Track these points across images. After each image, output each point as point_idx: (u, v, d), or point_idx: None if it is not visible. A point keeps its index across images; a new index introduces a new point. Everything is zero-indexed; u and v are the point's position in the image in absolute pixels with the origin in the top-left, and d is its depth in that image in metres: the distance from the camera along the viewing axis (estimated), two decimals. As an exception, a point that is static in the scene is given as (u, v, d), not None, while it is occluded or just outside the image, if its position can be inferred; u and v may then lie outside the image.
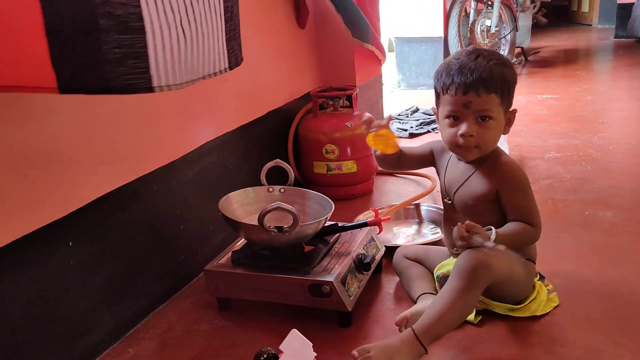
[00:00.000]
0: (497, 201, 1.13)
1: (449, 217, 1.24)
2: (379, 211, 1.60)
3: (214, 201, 1.54)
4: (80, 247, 1.11)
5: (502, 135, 2.10)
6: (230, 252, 1.30)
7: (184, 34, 0.80)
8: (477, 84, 1.06)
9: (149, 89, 0.75)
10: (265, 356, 0.86)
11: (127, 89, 0.73)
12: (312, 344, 0.86)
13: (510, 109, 1.13)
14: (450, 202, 1.21)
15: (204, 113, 1.50)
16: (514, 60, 4.34)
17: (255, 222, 1.16)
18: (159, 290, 1.34)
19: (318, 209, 1.37)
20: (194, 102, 1.45)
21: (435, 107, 1.19)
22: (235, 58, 0.99)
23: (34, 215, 1.01)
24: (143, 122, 1.27)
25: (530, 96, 3.32)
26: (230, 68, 0.97)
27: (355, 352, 0.99)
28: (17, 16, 0.67)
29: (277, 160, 1.41)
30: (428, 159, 1.30)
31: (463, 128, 1.09)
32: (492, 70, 1.06)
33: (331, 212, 1.28)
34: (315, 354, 0.87)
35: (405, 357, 0.99)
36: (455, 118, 1.11)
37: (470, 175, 1.16)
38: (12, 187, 0.96)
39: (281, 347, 0.87)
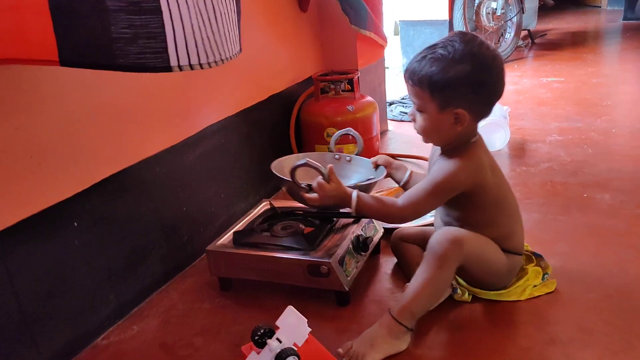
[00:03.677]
0: (459, 194, 1.10)
1: None
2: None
3: (216, 184, 1.57)
4: (85, 228, 1.14)
5: (504, 118, 2.12)
6: (232, 233, 1.33)
7: (200, 14, 0.78)
8: (407, 74, 1.08)
9: (166, 68, 0.75)
10: (262, 331, 0.89)
11: (138, 67, 0.73)
12: (307, 320, 0.89)
13: (456, 110, 1.06)
14: None
15: (206, 97, 1.52)
16: (520, 42, 4.30)
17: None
18: (162, 271, 1.38)
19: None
20: (195, 85, 1.47)
21: None
22: (240, 42, 0.98)
23: (40, 196, 1.04)
24: (145, 106, 1.29)
25: (535, 79, 3.31)
26: (240, 51, 0.97)
27: (340, 350, 1.04)
28: None
29: (349, 128, 1.47)
30: None
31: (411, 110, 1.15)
32: (420, 65, 1.05)
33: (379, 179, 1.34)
34: (310, 329, 0.90)
35: (385, 338, 1.03)
36: None
37: (432, 166, 1.19)
38: (18, 168, 0.99)
39: (277, 322, 0.90)
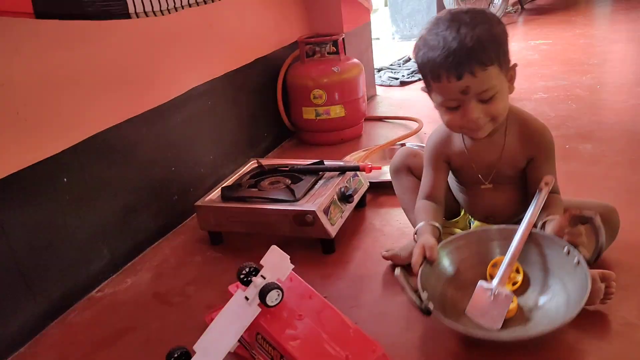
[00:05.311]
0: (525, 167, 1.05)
1: (479, 194, 1.11)
2: (357, 156, 1.69)
3: (204, 145, 1.60)
4: (74, 184, 1.17)
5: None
6: (220, 189, 1.37)
7: None
8: (471, 64, 0.89)
9: (125, 15, 0.79)
10: (247, 270, 0.93)
11: (102, 15, 0.77)
12: (289, 257, 0.93)
13: (510, 65, 0.98)
14: (490, 185, 1.08)
15: (190, 59, 1.54)
16: (510, 9, 4.29)
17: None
18: (154, 228, 1.41)
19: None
20: (179, 46, 1.49)
21: (425, 89, 1.03)
22: None
23: (28, 152, 1.07)
24: (129, 66, 1.31)
25: (523, 43, 3.32)
26: None
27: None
28: None
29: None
30: (446, 167, 1.12)
31: (467, 116, 0.94)
32: (482, 40, 0.89)
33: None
34: (293, 266, 0.93)
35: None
36: (452, 108, 0.97)
37: (503, 148, 1.04)
38: (5, 123, 1.02)
39: (262, 261, 0.94)
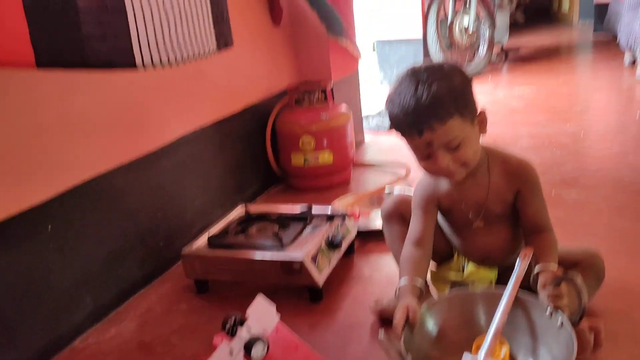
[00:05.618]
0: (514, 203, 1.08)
1: (472, 235, 1.13)
2: (344, 201, 1.70)
3: (191, 192, 1.60)
4: (59, 232, 1.16)
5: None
6: (207, 237, 1.36)
7: (167, 15, 0.84)
8: (429, 121, 0.94)
9: (132, 65, 0.79)
10: (232, 321, 0.92)
11: (108, 65, 0.78)
12: (275, 305, 0.92)
13: (478, 112, 1.01)
14: (482, 225, 1.10)
15: (181, 107, 1.56)
16: (494, 58, 4.42)
17: None
18: (139, 275, 1.40)
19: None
20: (171, 95, 1.51)
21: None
22: (224, 40, 1.02)
23: (12, 200, 1.07)
24: (118, 115, 1.33)
25: (507, 90, 3.40)
26: (219, 49, 1.01)
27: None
28: None
29: None
30: (436, 211, 1.14)
31: (436, 164, 0.99)
32: (437, 96, 0.93)
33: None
34: (279, 314, 0.92)
35: None
36: (425, 157, 1.01)
37: (489, 185, 1.07)
38: (-9, 172, 1.02)
39: (248, 311, 0.93)
